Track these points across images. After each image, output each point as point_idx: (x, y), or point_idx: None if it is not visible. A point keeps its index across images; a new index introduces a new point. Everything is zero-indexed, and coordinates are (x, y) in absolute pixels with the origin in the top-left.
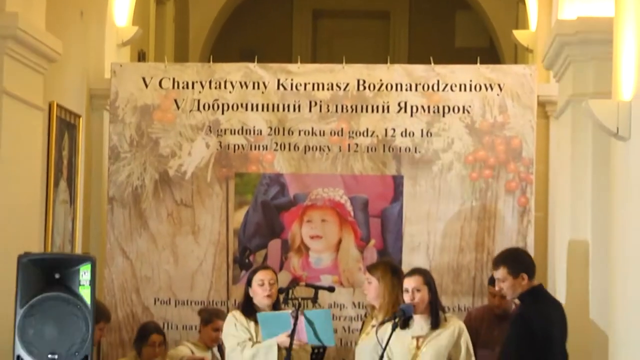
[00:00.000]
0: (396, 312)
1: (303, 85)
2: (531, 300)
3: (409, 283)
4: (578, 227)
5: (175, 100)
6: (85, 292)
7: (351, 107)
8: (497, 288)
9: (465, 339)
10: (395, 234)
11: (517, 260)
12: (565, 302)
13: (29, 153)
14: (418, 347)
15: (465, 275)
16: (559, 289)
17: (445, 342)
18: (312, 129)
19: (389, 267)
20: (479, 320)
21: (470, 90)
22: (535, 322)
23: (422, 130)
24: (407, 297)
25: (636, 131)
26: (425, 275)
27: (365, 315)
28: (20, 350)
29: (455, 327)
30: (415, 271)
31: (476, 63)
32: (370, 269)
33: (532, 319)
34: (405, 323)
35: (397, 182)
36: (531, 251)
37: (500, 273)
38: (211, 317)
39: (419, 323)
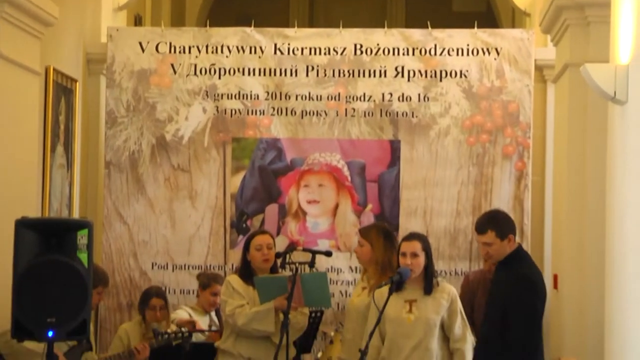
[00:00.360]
0: (393, 276)
1: (300, 49)
2: (523, 261)
3: (407, 248)
4: (575, 191)
5: (172, 65)
6: (82, 257)
7: (348, 71)
8: (483, 253)
9: (458, 304)
10: (392, 198)
11: (503, 222)
12: (562, 267)
13: (25, 117)
14: (410, 311)
15: (462, 239)
16: (555, 254)
17: (438, 308)
18: (309, 93)
19: (381, 231)
20: (476, 284)
21: (468, 54)
22: (541, 283)
23: (419, 95)
24: (404, 261)
25: (633, 95)
26: (423, 241)
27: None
28: (19, 315)
29: (448, 293)
30: (414, 236)
31: (474, 27)
32: (362, 232)
33: (538, 280)
34: (398, 287)
35: (394, 147)
36: (528, 215)
37: (488, 237)
38: (209, 282)
39: (412, 287)
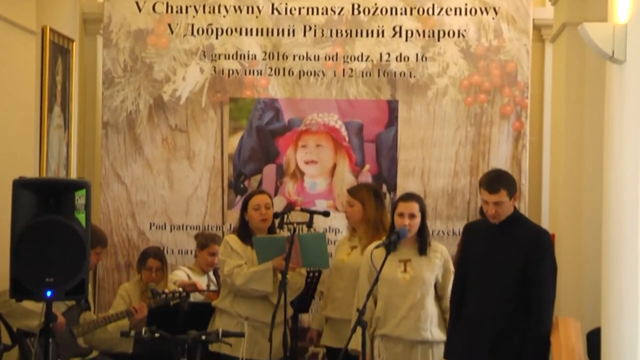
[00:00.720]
0: (391, 236)
1: (297, 9)
2: (527, 219)
3: (405, 208)
4: (572, 150)
5: (169, 25)
6: (80, 217)
7: (346, 31)
8: (491, 212)
9: (451, 263)
10: (390, 158)
11: (512, 181)
12: (559, 226)
13: (22, 78)
14: (405, 271)
15: (459, 199)
16: (552, 213)
17: (432, 267)
18: (307, 53)
19: (371, 190)
20: None
21: (466, 14)
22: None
23: (417, 55)
24: (401, 222)
25: (631, 54)
26: (420, 201)
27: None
28: (17, 274)
29: (441, 252)
30: (411, 197)
31: None
32: (352, 192)
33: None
34: (393, 246)
35: (392, 107)
36: (525, 175)
37: (500, 196)
38: (207, 242)
39: (406, 247)
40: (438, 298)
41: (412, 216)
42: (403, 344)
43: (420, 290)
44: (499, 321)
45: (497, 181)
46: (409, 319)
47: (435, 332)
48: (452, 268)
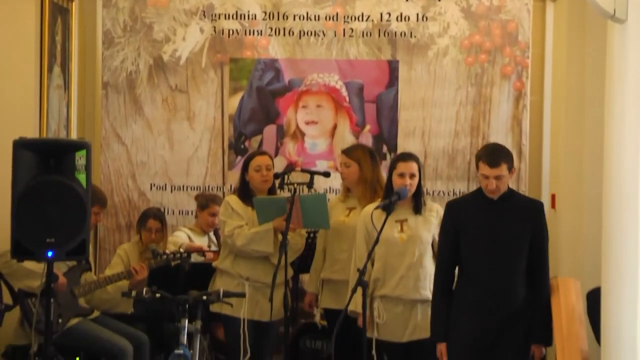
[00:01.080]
0: (392, 197)
1: None
2: (518, 193)
3: (406, 168)
4: (573, 110)
5: None
6: (81, 178)
7: None
8: (491, 187)
9: None
10: (391, 119)
11: (511, 155)
12: (560, 186)
13: (21, 38)
14: (402, 231)
15: (460, 159)
16: (553, 174)
17: (429, 226)
18: (307, 13)
19: (366, 150)
20: None
21: None
22: None
23: (417, 15)
24: (402, 182)
25: (633, 13)
26: (418, 161)
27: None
28: (18, 235)
29: (437, 211)
30: (410, 156)
31: None
32: (348, 152)
33: None
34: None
35: (393, 67)
36: (526, 135)
37: (501, 169)
38: (207, 203)
39: (402, 207)
40: (435, 257)
41: (412, 176)
42: (403, 303)
43: (418, 250)
44: (509, 297)
45: (498, 155)
46: (408, 278)
47: None
48: None
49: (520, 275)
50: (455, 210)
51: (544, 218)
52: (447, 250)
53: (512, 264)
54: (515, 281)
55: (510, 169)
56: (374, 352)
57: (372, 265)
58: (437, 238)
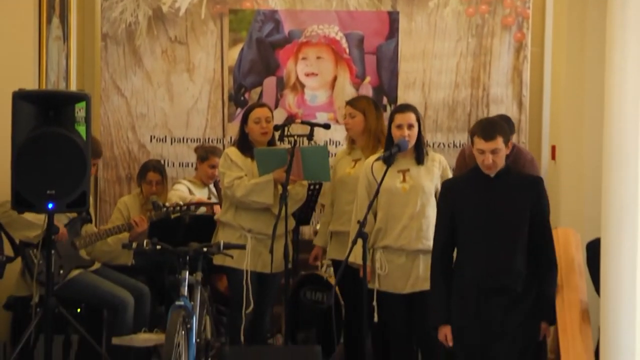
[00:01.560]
0: (392, 148)
1: None
2: (515, 169)
3: (403, 119)
4: (574, 61)
5: None
6: (80, 129)
7: None
8: (488, 162)
9: (449, 172)
10: (391, 70)
11: (506, 129)
12: (560, 138)
13: None
14: (404, 181)
15: (460, 111)
16: (553, 125)
17: (431, 176)
18: None
19: (371, 101)
20: (473, 159)
21: None
22: None
23: None
24: (400, 133)
25: None
26: (416, 111)
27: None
28: (19, 187)
29: (439, 161)
30: (408, 107)
31: None
32: (353, 103)
33: None
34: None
35: (393, 19)
36: (527, 87)
37: (497, 143)
38: (207, 154)
39: (404, 158)
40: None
41: (410, 126)
42: (405, 254)
43: (420, 200)
44: (511, 276)
45: (492, 128)
46: (410, 228)
47: None
48: (450, 175)
49: (521, 254)
50: (452, 191)
51: (544, 193)
52: (444, 231)
53: (512, 243)
54: (517, 260)
55: (507, 142)
56: (374, 303)
57: (375, 217)
58: (439, 188)
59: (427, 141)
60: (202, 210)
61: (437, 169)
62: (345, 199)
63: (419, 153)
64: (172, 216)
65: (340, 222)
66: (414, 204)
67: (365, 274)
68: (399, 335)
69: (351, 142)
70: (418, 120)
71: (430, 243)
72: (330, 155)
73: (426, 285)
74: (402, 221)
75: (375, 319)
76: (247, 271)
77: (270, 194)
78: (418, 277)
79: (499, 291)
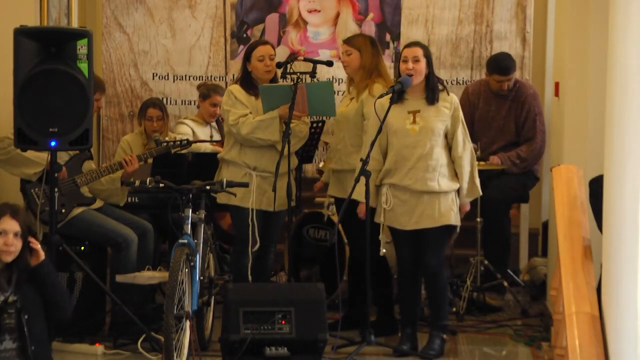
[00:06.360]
0: (394, 85)
1: None
2: None
3: (409, 53)
4: None
5: None
6: (82, 66)
7: None
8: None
9: (461, 112)
10: (394, 6)
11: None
12: (564, 74)
13: None
14: (414, 122)
15: (464, 47)
16: (557, 61)
17: (441, 117)
18: None
19: (367, 38)
20: (476, 95)
21: None
22: None
23: None
24: (405, 67)
25: None
26: (424, 48)
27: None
28: (21, 124)
29: (451, 102)
30: (415, 43)
31: None
32: (349, 41)
33: None
34: (399, 98)
35: None
36: (530, 22)
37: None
38: (209, 92)
39: (415, 98)
40: (448, 148)
41: (415, 60)
42: (410, 192)
43: (429, 141)
44: None
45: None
46: (417, 169)
47: (442, 182)
48: (460, 117)
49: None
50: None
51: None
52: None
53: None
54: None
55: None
56: (380, 237)
57: (384, 156)
58: (449, 128)
59: (445, 80)
60: (207, 147)
61: (448, 109)
62: (337, 137)
63: (430, 93)
64: (173, 151)
65: (335, 160)
66: (422, 146)
67: (367, 211)
68: (403, 268)
69: (350, 81)
70: (426, 56)
71: (435, 184)
72: (335, 93)
73: (430, 223)
74: (411, 161)
75: (381, 253)
76: (252, 209)
77: (276, 131)
78: (422, 214)
79: None
